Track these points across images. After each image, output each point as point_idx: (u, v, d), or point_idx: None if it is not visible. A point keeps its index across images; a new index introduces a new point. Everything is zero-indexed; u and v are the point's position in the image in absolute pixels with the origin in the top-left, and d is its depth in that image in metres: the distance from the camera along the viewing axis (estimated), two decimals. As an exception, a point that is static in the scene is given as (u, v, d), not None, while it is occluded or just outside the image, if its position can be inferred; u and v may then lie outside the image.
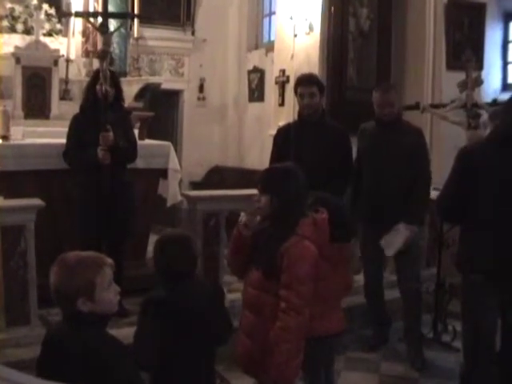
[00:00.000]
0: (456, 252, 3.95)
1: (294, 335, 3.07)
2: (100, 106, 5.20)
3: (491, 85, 8.11)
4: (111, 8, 9.11)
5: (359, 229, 5.17)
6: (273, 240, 3.19)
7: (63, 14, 9.11)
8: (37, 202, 4.88)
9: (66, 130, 5.46)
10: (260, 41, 11.51)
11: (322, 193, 3.56)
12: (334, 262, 3.37)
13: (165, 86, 9.75)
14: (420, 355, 5.15)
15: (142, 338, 2.89)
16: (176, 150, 8.21)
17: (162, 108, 10.24)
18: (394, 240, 4.99)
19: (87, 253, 2.66)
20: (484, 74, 7.95)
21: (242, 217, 3.31)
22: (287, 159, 4.64)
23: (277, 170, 3.37)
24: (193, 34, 11.36)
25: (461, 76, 6.70)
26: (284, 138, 5.16)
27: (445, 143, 7.43)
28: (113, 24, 8.52)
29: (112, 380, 2.41)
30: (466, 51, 7.19)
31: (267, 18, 11.36)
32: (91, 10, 9.33)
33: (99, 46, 8.68)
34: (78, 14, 8.26)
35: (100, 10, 7.96)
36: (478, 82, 6.45)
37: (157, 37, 10.84)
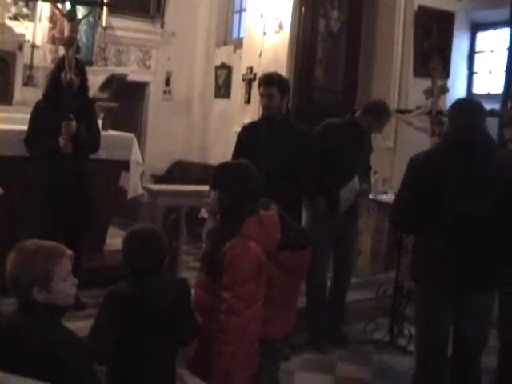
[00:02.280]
0: (410, 261, 3.97)
1: (235, 338, 3.00)
2: (64, 95, 5.10)
3: (456, 93, 8.17)
4: (81, -5, 8.99)
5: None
6: (218, 239, 3.13)
7: (27, -2, 8.94)
8: (-4, 188, 4.77)
9: (29, 116, 5.35)
10: (229, 37, 11.47)
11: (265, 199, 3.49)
12: (285, 268, 3.31)
13: (131, 77, 9.65)
14: None
15: (99, 330, 2.84)
16: (139, 143, 8.13)
17: (128, 100, 10.12)
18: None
19: (47, 242, 2.60)
20: (450, 82, 8.02)
21: (203, 213, 3.27)
22: (249, 157, 4.63)
23: (228, 166, 3.31)
24: (162, 26, 11.26)
25: (427, 83, 6.75)
26: (247, 136, 5.13)
27: (408, 148, 7.47)
28: (81, 11, 8.39)
29: (65, 373, 2.35)
30: (433, 59, 7.26)
31: (237, 15, 11.32)
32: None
33: (66, 32, 8.53)
34: (43, -1, 8.09)
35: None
36: (444, 89, 6.51)
37: (125, 27, 10.70)
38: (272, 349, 3.44)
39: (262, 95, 5.08)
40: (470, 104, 3.87)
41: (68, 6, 5.95)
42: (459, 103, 3.91)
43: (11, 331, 2.43)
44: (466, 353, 3.75)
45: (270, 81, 5.08)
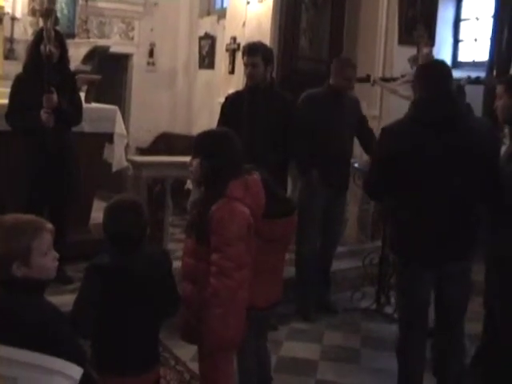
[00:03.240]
0: (389, 232, 3.97)
1: (224, 299, 3.01)
2: (44, 67, 5.03)
3: (442, 61, 8.14)
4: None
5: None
6: (203, 204, 3.14)
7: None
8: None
9: (9, 90, 5.28)
10: (212, 7, 11.38)
11: (249, 166, 3.48)
12: (270, 237, 3.33)
13: (114, 49, 9.57)
14: None
15: (82, 303, 2.82)
16: (124, 115, 8.08)
17: (111, 72, 10.04)
18: None
19: (26, 216, 2.56)
20: (435, 50, 7.98)
21: (188, 184, 3.26)
22: (234, 127, 4.61)
23: (208, 133, 3.29)
24: (144, -4, 11.14)
25: (412, 51, 6.73)
26: (231, 106, 5.11)
27: (394, 117, 7.40)
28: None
29: (50, 348, 2.33)
30: (418, 27, 7.22)
31: (220, -16, 11.22)
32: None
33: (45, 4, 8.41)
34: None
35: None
36: (429, 58, 6.47)
37: (107, -1, 10.60)
38: (257, 317, 3.45)
39: (245, 64, 5.06)
40: (440, 69, 3.78)
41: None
42: (428, 68, 3.83)
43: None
44: (446, 318, 3.78)
45: (254, 50, 5.05)
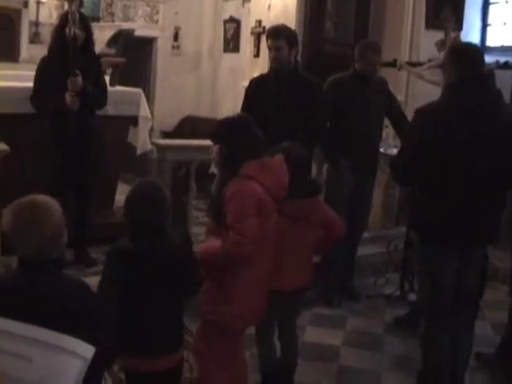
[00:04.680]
0: (413, 216, 3.95)
1: (223, 257, 3.10)
2: (69, 50, 5.02)
3: (470, 45, 8.04)
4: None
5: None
6: (220, 185, 3.28)
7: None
8: (2, 146, 4.74)
9: (34, 73, 5.29)
10: (238, -10, 11.29)
11: (286, 143, 3.61)
12: (297, 218, 3.40)
13: (139, 32, 9.58)
14: None
15: (104, 286, 2.83)
16: (148, 99, 8.08)
17: (136, 55, 10.05)
18: None
19: (42, 197, 2.48)
20: (463, 34, 7.87)
21: (213, 168, 3.30)
22: (258, 110, 4.59)
23: (226, 120, 3.38)
24: (169, -20, 11.11)
25: (439, 35, 6.64)
26: (256, 89, 5.09)
27: (420, 102, 7.33)
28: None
29: (81, 324, 2.33)
30: (445, 10, 7.12)
31: (246, -33, 11.12)
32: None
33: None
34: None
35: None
36: (457, 42, 6.38)
37: (132, -18, 10.58)
38: (281, 300, 3.49)
39: (270, 48, 5.03)
40: (473, 53, 3.73)
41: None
42: (461, 51, 3.77)
43: (19, 288, 2.39)
44: (461, 300, 3.75)
45: (278, 33, 5.01)
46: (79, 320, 2.33)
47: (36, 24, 8.94)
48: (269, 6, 8.58)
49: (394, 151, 5.87)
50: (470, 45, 4.25)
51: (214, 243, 3.16)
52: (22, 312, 2.25)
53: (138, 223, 2.92)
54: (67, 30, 5.04)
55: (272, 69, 5.12)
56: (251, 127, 3.28)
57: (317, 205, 3.67)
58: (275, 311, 3.55)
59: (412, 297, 5.53)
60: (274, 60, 5.00)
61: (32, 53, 8.26)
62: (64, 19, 5.21)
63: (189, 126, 10.94)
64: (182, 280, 2.98)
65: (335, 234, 3.77)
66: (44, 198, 2.47)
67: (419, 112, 3.64)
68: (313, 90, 5.05)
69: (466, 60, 3.60)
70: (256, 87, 5.13)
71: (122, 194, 6.37)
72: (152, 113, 8.53)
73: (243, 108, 5.06)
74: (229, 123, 3.34)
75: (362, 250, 6.01)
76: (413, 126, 3.72)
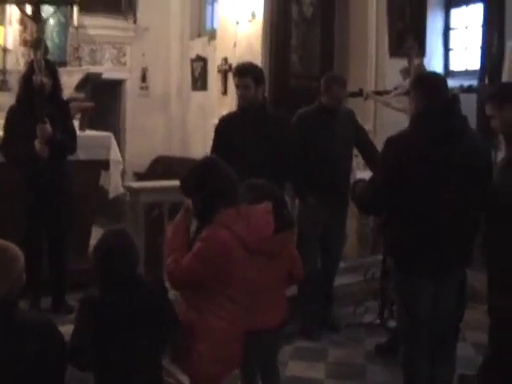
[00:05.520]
0: (387, 244, 3.98)
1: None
2: (36, 98, 5.03)
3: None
4: (49, -6, 8.88)
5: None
6: (196, 234, 3.20)
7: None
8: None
9: (3, 121, 5.29)
10: (202, 29, 11.42)
11: (264, 183, 3.53)
12: (273, 254, 3.33)
13: (107, 75, 9.57)
14: None
15: (77, 337, 2.82)
16: (119, 141, 8.08)
17: (105, 98, 10.04)
18: None
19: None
20: (426, 60, 7.99)
21: (186, 204, 3.26)
22: (229, 149, 4.61)
23: (192, 172, 3.29)
24: (135, 22, 11.19)
25: (403, 63, 6.73)
26: (225, 128, 5.10)
27: (388, 130, 7.42)
28: (50, 11, 8.28)
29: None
30: (408, 38, 7.24)
31: (210, 6, 11.25)
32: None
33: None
34: (6, 1, 7.91)
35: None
36: (421, 68, 6.48)
37: (98, 25, 10.60)
38: (259, 339, 3.44)
39: (237, 86, 5.05)
40: (437, 79, 3.81)
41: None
42: (425, 79, 3.87)
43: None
44: (441, 327, 3.78)
45: (244, 71, 5.05)
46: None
47: (3, 71, 8.91)
48: (234, 44, 8.67)
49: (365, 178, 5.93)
50: (433, 73, 4.34)
51: None
52: None
53: (105, 272, 2.92)
54: (34, 77, 5.06)
55: (240, 106, 5.14)
56: (219, 172, 3.21)
57: (289, 239, 3.63)
58: (254, 352, 3.50)
59: (392, 324, 5.54)
60: (242, 98, 5.02)
61: (0, 100, 8.22)
62: (31, 67, 5.23)
63: (161, 166, 10.95)
64: (156, 326, 2.96)
65: (296, 274, 3.66)
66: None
67: (389, 142, 3.67)
68: (281, 125, 5.07)
69: (431, 89, 3.67)
70: (225, 125, 5.14)
71: (96, 238, 6.33)
72: (123, 154, 8.54)
73: (214, 146, 5.07)
74: (195, 175, 3.26)
75: (340, 280, 6.02)
76: (383, 156, 3.76)
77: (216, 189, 3.14)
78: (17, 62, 9.20)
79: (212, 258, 3.02)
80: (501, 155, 4.19)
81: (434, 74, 4.13)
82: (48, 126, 5.00)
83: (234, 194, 3.19)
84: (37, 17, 5.23)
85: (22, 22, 9.27)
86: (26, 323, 2.65)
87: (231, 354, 3.20)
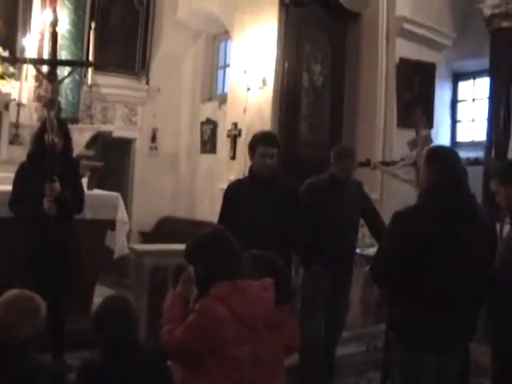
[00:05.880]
0: (390, 316, 3.95)
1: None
2: (47, 156, 5.09)
3: (440, 143, 8.25)
4: (66, 54, 9.09)
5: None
6: (193, 305, 3.15)
7: (8, 60, 8.97)
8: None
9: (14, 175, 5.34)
10: (214, 93, 11.56)
11: (268, 256, 3.47)
12: (274, 327, 3.29)
13: (117, 134, 9.70)
14: None
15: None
16: (126, 199, 8.11)
17: (114, 156, 10.15)
18: None
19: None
20: (434, 132, 8.11)
21: (188, 271, 3.24)
22: (237, 216, 4.62)
23: (196, 240, 3.27)
24: (147, 83, 11.36)
25: (411, 134, 6.81)
26: (234, 195, 5.09)
27: (395, 199, 7.50)
28: (67, 70, 8.44)
29: None
30: (416, 110, 7.35)
31: (222, 70, 11.43)
32: (46, 55, 9.23)
33: (49, 93, 8.55)
34: (25, 61, 8.11)
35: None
36: (428, 140, 6.57)
37: (111, 84, 10.76)
38: None
39: (263, 155, 4.94)
40: (450, 155, 3.83)
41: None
42: (438, 154, 3.85)
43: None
44: None
45: (273, 141, 5.03)
46: None
47: (16, 126, 9.01)
48: (244, 109, 8.77)
49: (371, 250, 5.94)
50: (444, 148, 4.36)
51: None
52: None
53: (105, 338, 2.92)
54: (46, 136, 5.13)
55: (252, 173, 5.09)
56: (223, 244, 3.19)
57: (289, 312, 3.52)
58: None
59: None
60: (265, 167, 4.93)
61: (12, 154, 8.26)
62: (43, 126, 5.28)
63: (167, 227, 10.97)
64: None
65: (294, 346, 3.59)
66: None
67: (397, 217, 3.68)
68: (289, 194, 5.09)
69: (442, 163, 3.69)
70: (234, 192, 5.12)
71: (100, 296, 6.30)
72: (130, 213, 8.57)
73: (222, 213, 5.03)
74: (200, 243, 3.23)
75: (343, 350, 5.96)
76: (390, 230, 3.75)
77: (218, 260, 3.11)
78: (30, 117, 9.32)
79: (204, 332, 2.97)
80: (506, 228, 4.21)
81: (445, 149, 4.15)
82: (57, 185, 5.03)
83: (237, 266, 3.15)
84: (52, 77, 5.29)
85: (37, 79, 9.43)
86: (43, 368, 2.95)
87: None
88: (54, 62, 5.44)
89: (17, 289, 3.11)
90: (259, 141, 5.05)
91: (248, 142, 5.19)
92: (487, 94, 8.05)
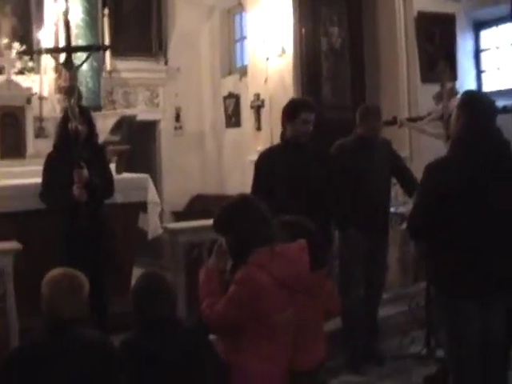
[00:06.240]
0: (431, 271, 3.90)
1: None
2: (72, 143, 5.11)
3: (467, 94, 8.12)
4: (82, 43, 9.07)
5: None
6: (230, 274, 3.12)
7: (24, 52, 9.01)
8: (14, 245, 4.77)
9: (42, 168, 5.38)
10: (233, 66, 11.51)
11: (299, 220, 3.46)
12: (312, 292, 3.27)
13: (141, 117, 9.70)
14: None
15: (117, 381, 2.81)
16: (156, 181, 8.13)
17: (140, 139, 10.16)
18: None
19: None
20: (459, 83, 7.98)
21: (219, 243, 3.21)
22: (272, 184, 4.59)
23: (224, 210, 3.20)
24: (166, 63, 11.34)
25: (436, 88, 6.70)
26: (267, 164, 5.03)
27: (425, 155, 7.40)
28: (84, 57, 8.45)
29: None
30: (439, 63, 7.22)
31: (239, 43, 11.37)
32: (62, 45, 9.23)
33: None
34: (41, 51, 8.13)
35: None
36: (453, 92, 6.46)
37: (130, 68, 10.78)
38: (302, 381, 3.35)
39: (305, 121, 4.93)
40: (483, 103, 3.73)
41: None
42: (471, 102, 3.73)
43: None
44: (490, 356, 3.66)
45: (314, 107, 5.02)
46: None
47: (40, 119, 9.08)
48: (266, 79, 8.72)
49: (405, 209, 5.88)
50: (477, 95, 4.26)
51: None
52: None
53: (143, 315, 2.92)
54: (69, 124, 5.14)
55: (286, 141, 5.05)
56: (252, 211, 3.13)
57: (325, 276, 3.51)
58: None
59: (440, 353, 5.42)
60: (304, 134, 4.93)
61: (38, 147, 8.34)
62: (66, 114, 5.31)
63: (199, 204, 10.98)
64: (197, 371, 2.94)
65: (334, 310, 3.61)
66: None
67: (429, 167, 3.63)
68: (323, 158, 5.05)
69: (474, 111, 3.62)
70: (267, 160, 5.07)
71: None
72: (161, 194, 8.60)
73: (255, 183, 5.00)
74: (227, 213, 3.18)
75: (384, 311, 5.94)
76: (422, 184, 3.71)
77: (249, 227, 3.06)
78: (53, 109, 9.39)
79: (247, 301, 2.95)
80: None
81: (479, 95, 4.06)
82: (85, 171, 5.04)
83: (269, 232, 3.10)
84: (69, 64, 5.28)
85: (56, 70, 9.50)
86: (89, 342, 2.98)
87: None
88: (69, 49, 5.41)
89: (60, 267, 3.18)
90: (301, 107, 5.01)
91: (284, 109, 5.12)
92: (511, 40, 7.89)
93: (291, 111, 5.01)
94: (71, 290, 3.03)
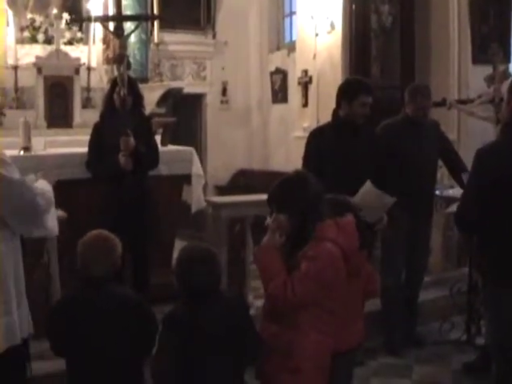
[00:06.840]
0: (479, 261, 3.83)
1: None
2: (119, 111, 5.13)
3: (519, 77, 7.96)
4: (130, 13, 9.07)
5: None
6: (290, 250, 3.07)
7: (74, 20, 9.05)
8: (59, 213, 4.81)
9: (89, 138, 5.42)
10: (282, 41, 11.45)
11: (346, 199, 3.43)
12: (355, 270, 3.24)
13: (187, 90, 9.70)
14: None
15: (160, 355, 2.83)
16: (200, 155, 8.15)
17: (186, 112, 10.20)
18: None
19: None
20: (512, 66, 7.80)
21: (268, 221, 3.16)
22: (324, 164, 4.55)
23: (282, 187, 3.14)
24: (214, 37, 11.34)
25: (488, 70, 6.58)
26: (318, 143, 4.92)
27: (473, 139, 7.28)
28: (131, 28, 8.48)
29: None
30: (492, 45, 7.07)
31: (288, 18, 11.29)
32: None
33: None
34: (90, 19, 8.17)
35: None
36: (506, 75, 6.36)
37: (177, 41, 10.81)
38: (343, 361, 3.31)
39: (364, 104, 4.82)
40: None
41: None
42: None
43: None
44: None
45: (371, 89, 4.92)
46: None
47: (88, 89, 9.15)
48: (314, 55, 8.66)
49: (450, 192, 5.79)
50: None
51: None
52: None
53: (187, 289, 2.92)
54: (117, 90, 5.16)
55: (339, 120, 4.94)
56: (313, 186, 3.10)
57: (365, 256, 3.45)
58: (339, 373, 3.30)
59: (480, 341, 5.36)
60: (362, 116, 4.85)
61: (85, 117, 8.42)
62: (113, 83, 5.34)
63: (242, 179, 11.01)
64: (237, 344, 2.93)
65: (372, 291, 3.54)
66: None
67: (480, 155, 3.55)
68: (372, 138, 4.99)
69: None
70: (320, 139, 4.96)
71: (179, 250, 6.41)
72: (205, 168, 8.61)
73: (307, 162, 4.90)
74: (285, 188, 3.12)
75: (425, 295, 5.88)
76: (475, 168, 3.62)
77: (311, 203, 3.04)
78: (100, 80, 9.45)
79: (327, 276, 2.95)
80: None
81: None
82: (131, 139, 5.06)
83: (324, 208, 3.10)
84: (119, 32, 5.29)
85: (104, 41, 9.56)
86: (123, 300, 3.22)
87: (328, 369, 3.11)
88: (119, 17, 5.41)
89: (97, 230, 3.45)
90: (360, 89, 4.89)
91: (341, 88, 5.03)
92: None
93: (350, 91, 4.90)
94: (103, 250, 3.29)
